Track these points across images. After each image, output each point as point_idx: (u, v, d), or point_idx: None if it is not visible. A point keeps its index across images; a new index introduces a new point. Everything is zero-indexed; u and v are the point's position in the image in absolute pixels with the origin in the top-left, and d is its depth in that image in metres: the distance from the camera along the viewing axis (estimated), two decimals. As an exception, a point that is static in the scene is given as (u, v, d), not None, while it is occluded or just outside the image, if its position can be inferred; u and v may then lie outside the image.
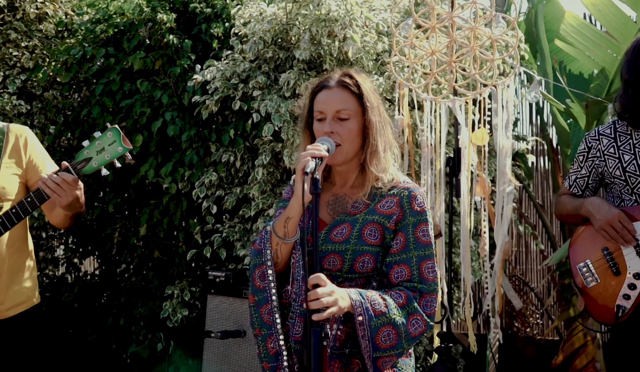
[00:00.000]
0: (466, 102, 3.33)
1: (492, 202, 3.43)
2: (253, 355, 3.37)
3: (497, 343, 4.08)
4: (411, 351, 2.07)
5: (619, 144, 2.45)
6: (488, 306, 3.40)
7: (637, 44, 2.41)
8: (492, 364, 4.05)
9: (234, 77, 3.81)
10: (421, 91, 3.40)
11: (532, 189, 5.21)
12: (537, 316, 5.00)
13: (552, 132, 4.85)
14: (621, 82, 2.46)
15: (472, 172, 3.31)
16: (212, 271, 3.52)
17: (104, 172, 2.33)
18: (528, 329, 4.96)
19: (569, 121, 4.40)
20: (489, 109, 3.29)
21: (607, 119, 3.65)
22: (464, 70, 3.36)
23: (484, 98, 3.30)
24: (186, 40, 4.03)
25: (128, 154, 2.34)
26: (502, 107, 3.25)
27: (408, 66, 3.48)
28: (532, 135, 5.11)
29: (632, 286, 2.36)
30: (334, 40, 3.61)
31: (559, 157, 4.60)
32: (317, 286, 1.81)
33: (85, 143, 2.29)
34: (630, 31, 3.99)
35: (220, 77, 3.79)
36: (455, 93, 3.37)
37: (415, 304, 1.94)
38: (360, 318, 1.88)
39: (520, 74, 3.45)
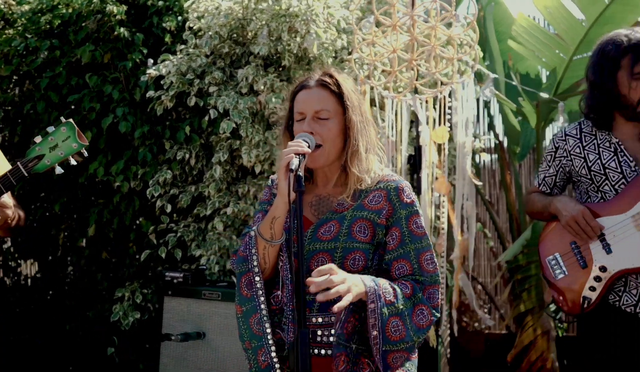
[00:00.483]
0: (427, 100, 3.35)
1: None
2: (213, 358, 3.29)
3: (449, 338, 4.15)
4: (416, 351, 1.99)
5: (584, 144, 2.52)
6: (442, 299, 3.43)
7: (602, 46, 2.46)
8: (443, 358, 4.10)
9: (189, 72, 3.70)
10: (382, 89, 3.39)
11: (480, 187, 5.31)
12: (486, 311, 5.10)
13: (500, 131, 4.96)
14: (587, 84, 2.52)
15: (433, 170, 3.33)
16: (169, 271, 3.41)
17: (58, 170, 2.21)
18: (476, 324, 5.05)
19: (518, 119, 4.50)
20: (449, 107, 3.32)
21: (558, 118, 3.75)
22: (425, 68, 3.37)
23: (444, 96, 3.32)
24: (137, 34, 3.89)
25: (84, 150, 2.23)
26: (462, 105, 3.29)
27: (368, 63, 3.47)
28: (480, 134, 5.21)
29: (597, 279, 2.44)
30: (295, 36, 3.56)
31: (507, 155, 4.71)
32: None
33: (38, 139, 2.17)
34: (579, 34, 4.13)
35: (175, 72, 3.67)
36: (416, 91, 3.39)
37: (420, 294, 1.91)
38: (372, 306, 1.82)
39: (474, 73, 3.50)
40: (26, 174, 2.15)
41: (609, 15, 4.04)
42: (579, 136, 2.54)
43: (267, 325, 1.90)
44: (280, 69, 3.77)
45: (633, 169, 2.43)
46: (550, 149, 2.62)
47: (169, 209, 3.77)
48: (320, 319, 1.93)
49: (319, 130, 1.94)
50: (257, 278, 1.92)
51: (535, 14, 4.52)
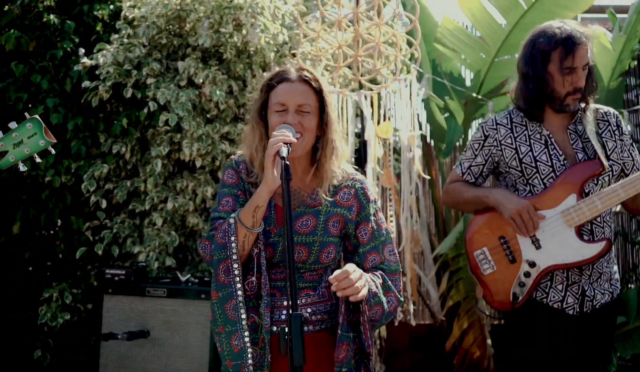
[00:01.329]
0: (371, 96, 3.44)
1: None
2: (159, 356, 3.21)
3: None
4: None
5: (516, 134, 2.49)
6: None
7: (534, 38, 2.45)
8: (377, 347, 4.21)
9: (126, 62, 3.58)
10: (328, 84, 3.44)
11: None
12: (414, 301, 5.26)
13: (425, 127, 5.13)
14: (518, 75, 2.50)
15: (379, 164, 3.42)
16: (110, 269, 3.28)
17: (22, 167, 2.12)
18: (409, 317, 5.21)
19: (445, 116, 4.70)
20: (394, 103, 3.42)
21: (488, 116, 3.93)
22: (369, 64, 3.45)
23: (388, 93, 3.42)
24: (68, 22, 3.70)
25: (51, 148, 2.15)
26: (407, 101, 3.40)
27: (311, 59, 3.51)
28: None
29: (527, 274, 2.41)
30: (240, 29, 3.53)
31: (433, 151, 4.89)
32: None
33: None
34: (500, 37, 4.37)
35: (112, 62, 3.54)
36: (360, 87, 3.46)
37: (389, 283, 2.04)
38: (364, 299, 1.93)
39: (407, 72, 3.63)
40: None
41: (527, 21, 4.30)
42: (510, 126, 2.50)
43: (242, 311, 1.93)
44: (224, 61, 3.72)
45: (562, 163, 2.43)
46: (479, 137, 2.55)
47: (104, 204, 3.63)
48: (304, 300, 2.01)
49: (300, 121, 2.00)
50: (235, 265, 1.94)
51: (459, 17, 4.72)
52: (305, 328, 1.99)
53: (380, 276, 2.03)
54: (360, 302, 1.93)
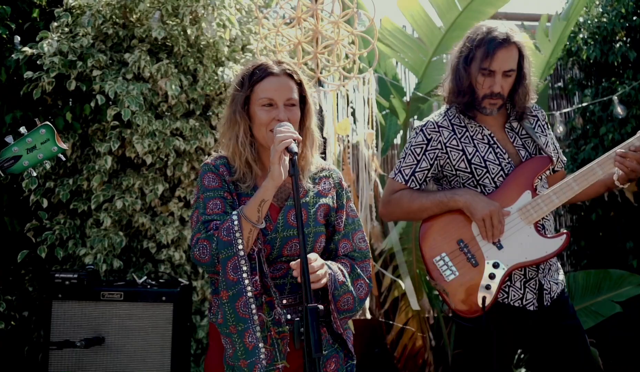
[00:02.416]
0: (330, 93, 3.44)
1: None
2: (115, 362, 3.03)
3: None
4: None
5: (459, 136, 2.43)
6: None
7: (469, 34, 2.44)
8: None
9: (70, 53, 3.36)
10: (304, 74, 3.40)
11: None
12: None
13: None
14: (452, 71, 2.45)
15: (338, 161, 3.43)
16: (60, 273, 3.06)
17: (33, 172, 2.20)
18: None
19: (382, 113, 4.78)
20: (352, 101, 3.44)
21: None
22: (327, 61, 3.45)
23: (347, 90, 3.44)
24: (4, 6, 3.42)
25: (62, 155, 2.20)
26: (364, 99, 3.43)
27: (269, 54, 3.46)
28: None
29: (492, 276, 2.34)
30: (196, 22, 3.41)
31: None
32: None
33: (10, 139, 2.12)
34: (437, 37, 4.52)
35: (54, 52, 3.31)
36: (319, 84, 3.45)
37: (359, 270, 2.11)
38: (329, 289, 2.00)
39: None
40: (2, 174, 2.11)
41: (461, 21, 4.47)
42: (451, 128, 2.44)
43: (253, 307, 1.92)
44: (174, 55, 3.58)
45: (507, 161, 2.41)
46: (420, 141, 2.45)
47: (45, 204, 3.39)
48: (291, 300, 2.04)
49: (289, 116, 2.03)
50: (242, 261, 1.92)
51: (398, 18, 4.84)
52: (289, 326, 2.00)
53: (348, 265, 2.09)
54: (326, 289, 1.98)
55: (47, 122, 2.14)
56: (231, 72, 3.43)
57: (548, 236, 2.42)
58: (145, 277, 3.21)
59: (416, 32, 4.62)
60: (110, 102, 3.39)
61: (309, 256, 1.87)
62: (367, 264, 2.15)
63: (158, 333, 3.04)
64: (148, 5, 3.49)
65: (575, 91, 4.86)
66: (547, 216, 2.47)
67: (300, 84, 2.08)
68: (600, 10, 4.78)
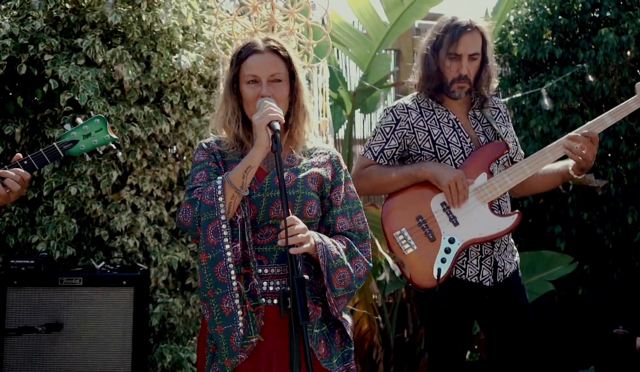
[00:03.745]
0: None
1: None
2: (74, 349, 3.02)
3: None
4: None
5: (426, 118, 2.62)
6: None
7: (437, 23, 2.63)
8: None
9: (21, 36, 3.28)
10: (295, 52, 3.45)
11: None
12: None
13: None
14: (421, 59, 2.64)
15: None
16: (15, 259, 3.01)
17: (87, 157, 2.57)
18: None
19: (330, 104, 4.90)
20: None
21: (379, 106, 4.20)
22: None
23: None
24: (-51, -14, 3.31)
25: (113, 144, 2.44)
26: (318, 89, 3.54)
27: (224, 43, 3.51)
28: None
29: (447, 250, 2.52)
30: (151, 9, 3.41)
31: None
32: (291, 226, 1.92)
33: (68, 127, 2.43)
34: (382, 32, 4.68)
35: (4, 35, 3.23)
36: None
37: (356, 249, 2.12)
38: (321, 260, 2.01)
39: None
40: (62, 154, 2.36)
41: (405, 17, 4.66)
42: (419, 110, 2.62)
43: (232, 272, 1.95)
44: (128, 41, 3.56)
45: (469, 145, 2.61)
46: (390, 121, 2.63)
47: (-6, 191, 3.30)
48: (278, 270, 2.05)
49: (274, 92, 2.09)
50: (223, 226, 1.96)
51: (346, 13, 4.98)
52: (268, 299, 2.05)
53: (345, 242, 2.10)
54: (318, 264, 2.00)
55: (100, 115, 2.47)
56: (188, 59, 3.45)
57: (501, 214, 2.63)
58: (103, 263, 3.19)
59: (363, 26, 4.77)
60: (63, 88, 3.34)
61: (289, 217, 1.89)
62: (367, 246, 2.17)
63: (119, 317, 3.06)
64: (100, -10, 3.47)
65: (507, 86, 5.15)
66: (504, 198, 2.69)
67: (287, 60, 2.13)
68: (529, 10, 5.08)
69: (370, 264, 2.15)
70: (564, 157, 2.66)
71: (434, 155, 2.63)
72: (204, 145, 2.18)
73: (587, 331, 4.68)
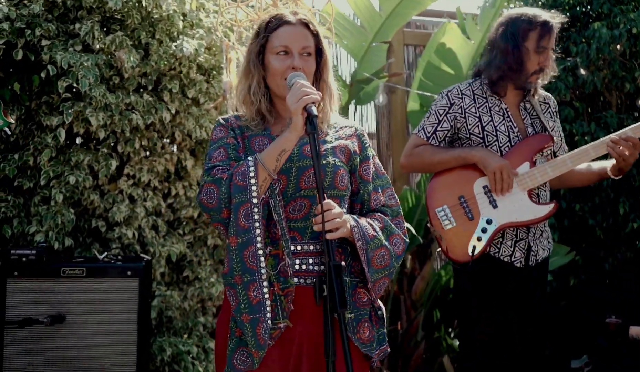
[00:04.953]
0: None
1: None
2: (78, 340, 2.95)
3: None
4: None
5: (478, 105, 2.77)
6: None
7: (514, 19, 2.72)
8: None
9: (18, 20, 3.19)
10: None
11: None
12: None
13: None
14: (493, 50, 2.76)
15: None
16: (16, 249, 2.92)
17: None
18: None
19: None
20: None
21: (378, 96, 4.17)
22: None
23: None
24: (-58, -32, 3.20)
25: (7, 129, 1.93)
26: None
27: (225, 30, 3.46)
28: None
29: (484, 230, 2.67)
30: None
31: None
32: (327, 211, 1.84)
33: None
34: (377, 23, 4.67)
35: (1, 18, 3.13)
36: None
37: (392, 225, 2.06)
38: (359, 243, 1.93)
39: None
40: None
41: (400, 10, 4.66)
42: (472, 97, 2.77)
43: (262, 259, 1.87)
44: (126, 26, 3.48)
45: (516, 134, 2.75)
46: (444, 103, 2.78)
47: (-12, 180, 3.21)
48: (311, 247, 1.96)
49: (304, 66, 2.00)
50: (255, 209, 1.88)
51: (340, 6, 4.95)
52: (300, 279, 1.94)
53: (380, 220, 2.04)
54: (355, 247, 1.92)
55: None
56: (190, 46, 3.39)
57: (539, 202, 2.75)
58: (106, 253, 3.12)
59: (358, 17, 4.75)
60: (61, 74, 3.25)
61: (325, 202, 1.83)
62: (401, 221, 2.11)
63: (123, 308, 2.99)
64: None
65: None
66: (544, 188, 2.81)
67: (316, 36, 2.07)
68: (521, 3, 5.12)
69: (407, 240, 2.09)
70: (604, 157, 2.81)
71: (481, 141, 2.75)
72: (222, 121, 2.08)
73: (580, 320, 4.73)
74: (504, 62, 2.73)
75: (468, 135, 2.79)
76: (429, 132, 2.82)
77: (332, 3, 3.47)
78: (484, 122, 2.77)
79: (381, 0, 4.59)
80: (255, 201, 1.88)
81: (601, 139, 2.79)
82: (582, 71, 4.73)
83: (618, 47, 4.76)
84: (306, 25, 2.04)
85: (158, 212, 3.72)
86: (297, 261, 1.95)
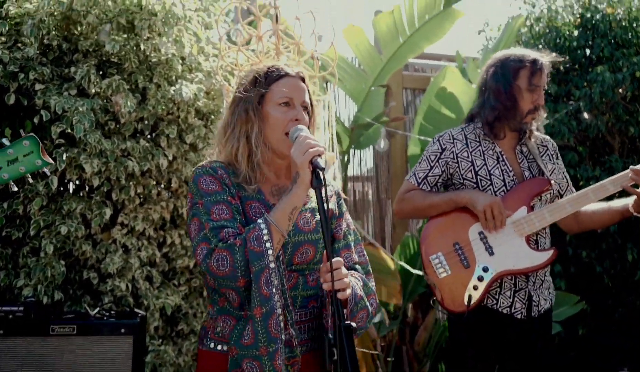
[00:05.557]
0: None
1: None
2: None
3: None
4: None
5: (471, 149, 2.70)
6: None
7: (503, 59, 2.69)
8: None
9: (11, 64, 3.06)
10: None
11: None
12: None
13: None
14: (485, 93, 2.70)
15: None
16: (2, 304, 2.73)
17: (14, 187, 2.06)
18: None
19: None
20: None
21: (380, 142, 4.08)
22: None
23: (308, 112, 3.38)
24: None
25: (46, 169, 2.05)
26: (325, 122, 3.39)
27: (226, 73, 3.35)
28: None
29: (480, 278, 2.57)
30: (153, 37, 3.23)
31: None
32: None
33: None
34: (378, 67, 4.60)
35: (-5, 62, 3.01)
36: (281, 105, 3.37)
37: (370, 284, 2.03)
38: (350, 304, 1.90)
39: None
40: None
41: (399, 53, 4.60)
42: (465, 141, 2.71)
43: (282, 325, 1.79)
44: (123, 70, 3.36)
45: (512, 178, 2.67)
46: (436, 149, 2.73)
47: (-24, 230, 3.03)
48: (302, 316, 1.93)
49: (302, 120, 1.95)
50: (273, 274, 1.79)
51: (341, 49, 4.87)
52: (300, 349, 1.89)
53: (359, 278, 2.00)
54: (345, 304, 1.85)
55: (32, 134, 1.96)
56: (189, 90, 3.27)
57: (538, 249, 2.64)
58: (98, 308, 2.94)
59: (359, 61, 4.68)
60: (55, 119, 3.12)
61: (335, 260, 1.77)
62: (372, 279, 2.09)
63: (116, 369, 2.78)
64: (96, 17, 3.27)
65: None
66: (543, 234, 2.70)
67: (308, 91, 2.03)
68: (522, 47, 5.08)
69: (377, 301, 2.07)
70: (608, 198, 2.70)
71: (475, 186, 2.68)
72: (210, 170, 1.93)
73: (590, 371, 4.57)
74: (498, 102, 2.67)
75: (461, 180, 2.71)
76: (420, 178, 2.76)
77: (334, 47, 3.36)
78: (477, 166, 2.69)
79: (383, 44, 4.52)
80: (272, 265, 1.80)
81: (602, 181, 2.67)
82: (586, 115, 4.67)
83: (620, 90, 4.71)
84: (302, 79, 2.01)
85: (153, 262, 3.55)
86: (301, 328, 1.93)
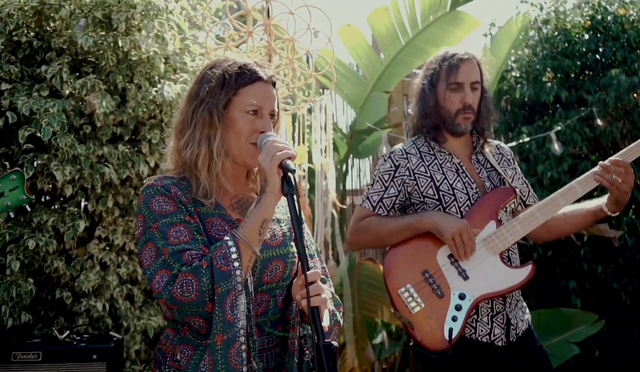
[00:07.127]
0: (285, 117, 3.09)
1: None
2: None
3: None
4: None
5: (427, 163, 2.43)
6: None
7: (431, 59, 2.48)
8: None
9: (-25, 61, 2.79)
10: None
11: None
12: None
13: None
14: (417, 97, 2.48)
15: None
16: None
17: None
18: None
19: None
20: (309, 126, 3.11)
21: (382, 148, 3.81)
22: (282, 82, 3.11)
23: (303, 115, 3.10)
24: None
25: (27, 206, 2.07)
26: (321, 125, 3.11)
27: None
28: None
29: (458, 307, 2.27)
30: (129, 34, 2.96)
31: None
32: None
33: None
34: (378, 71, 4.33)
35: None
36: (273, 106, 3.10)
37: (337, 296, 1.89)
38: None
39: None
40: None
41: (402, 56, 4.33)
42: (419, 155, 2.44)
43: (244, 355, 1.57)
44: (102, 69, 3.08)
45: (475, 190, 2.40)
46: (388, 167, 2.43)
47: None
48: (269, 343, 1.74)
49: (269, 131, 1.74)
50: (240, 297, 1.57)
51: (339, 52, 4.61)
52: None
53: (328, 290, 1.81)
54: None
55: (18, 169, 1.97)
56: (171, 90, 2.99)
57: (512, 266, 2.37)
58: (68, 332, 2.63)
59: (357, 63, 4.41)
60: (23, 122, 2.83)
61: (311, 273, 1.58)
62: (333, 291, 1.92)
63: (85, 402, 2.47)
64: (70, 12, 3.00)
65: (508, 130, 4.83)
66: (512, 248, 2.43)
67: (277, 97, 1.82)
68: (529, 51, 4.83)
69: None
70: (580, 200, 2.44)
71: (438, 203, 2.39)
72: (162, 190, 1.68)
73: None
74: (424, 105, 2.44)
75: (422, 199, 2.41)
76: (374, 202, 2.43)
77: (331, 43, 3.08)
78: (437, 181, 2.40)
79: (381, 44, 4.25)
80: (239, 287, 1.57)
81: (574, 180, 2.41)
82: (599, 121, 4.39)
83: (635, 95, 4.44)
84: (274, 84, 1.79)
85: (134, 279, 3.24)
86: (268, 355, 1.74)
